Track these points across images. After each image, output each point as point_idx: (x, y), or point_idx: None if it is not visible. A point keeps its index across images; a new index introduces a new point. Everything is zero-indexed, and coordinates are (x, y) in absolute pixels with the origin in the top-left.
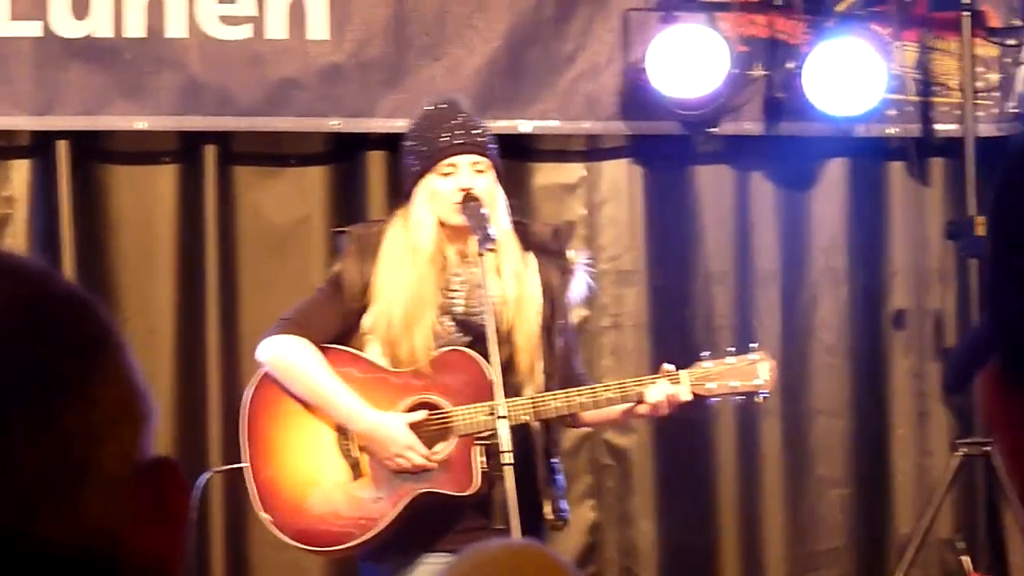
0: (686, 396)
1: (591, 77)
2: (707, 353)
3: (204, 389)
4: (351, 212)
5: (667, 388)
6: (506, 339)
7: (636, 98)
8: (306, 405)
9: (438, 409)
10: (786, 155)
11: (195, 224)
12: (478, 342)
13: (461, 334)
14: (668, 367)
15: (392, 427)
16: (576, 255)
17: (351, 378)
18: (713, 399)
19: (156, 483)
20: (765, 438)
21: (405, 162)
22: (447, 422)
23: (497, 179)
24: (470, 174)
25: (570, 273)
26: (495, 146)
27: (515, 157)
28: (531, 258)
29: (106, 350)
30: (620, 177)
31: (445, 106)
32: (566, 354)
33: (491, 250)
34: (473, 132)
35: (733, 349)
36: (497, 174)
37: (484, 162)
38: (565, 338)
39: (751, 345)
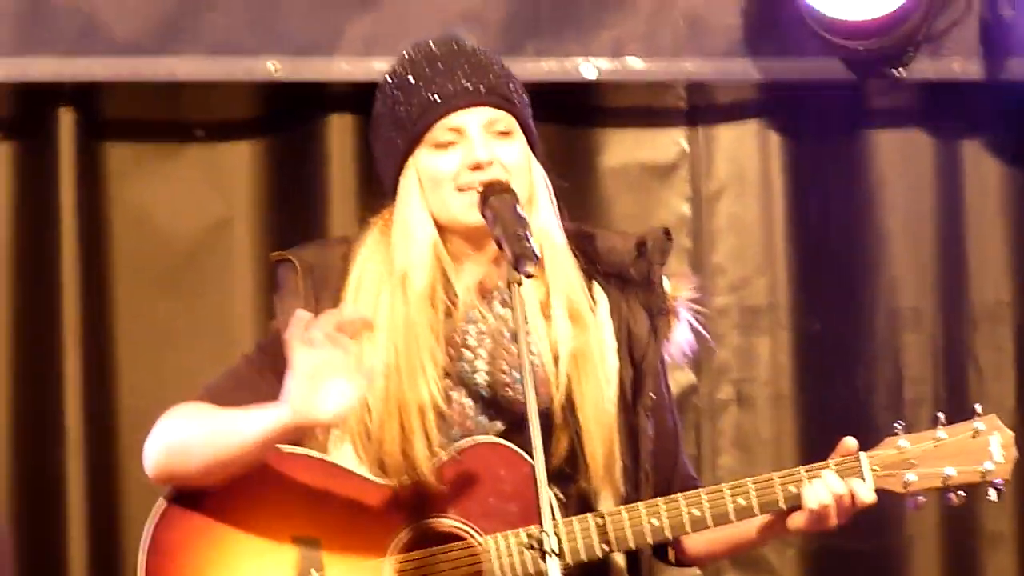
0: (868, 495)
1: None
2: (901, 424)
3: (61, 512)
4: (299, 218)
5: (837, 484)
6: (563, 422)
7: (771, 21)
8: (243, 518)
9: (458, 540)
10: (1022, 113)
11: (42, 236)
12: (517, 428)
13: (486, 418)
14: (847, 443)
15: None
16: (677, 285)
17: (312, 497)
18: (915, 498)
19: None
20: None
21: (378, 138)
22: (474, 561)
23: (533, 151)
24: (485, 140)
25: (666, 315)
26: (524, 97)
27: (572, 120)
28: (599, 291)
29: None
30: (746, 152)
31: (436, 46)
32: (664, 445)
33: (530, 275)
34: (486, 73)
35: (942, 416)
36: (531, 142)
37: (507, 120)
38: (661, 419)
39: (974, 407)
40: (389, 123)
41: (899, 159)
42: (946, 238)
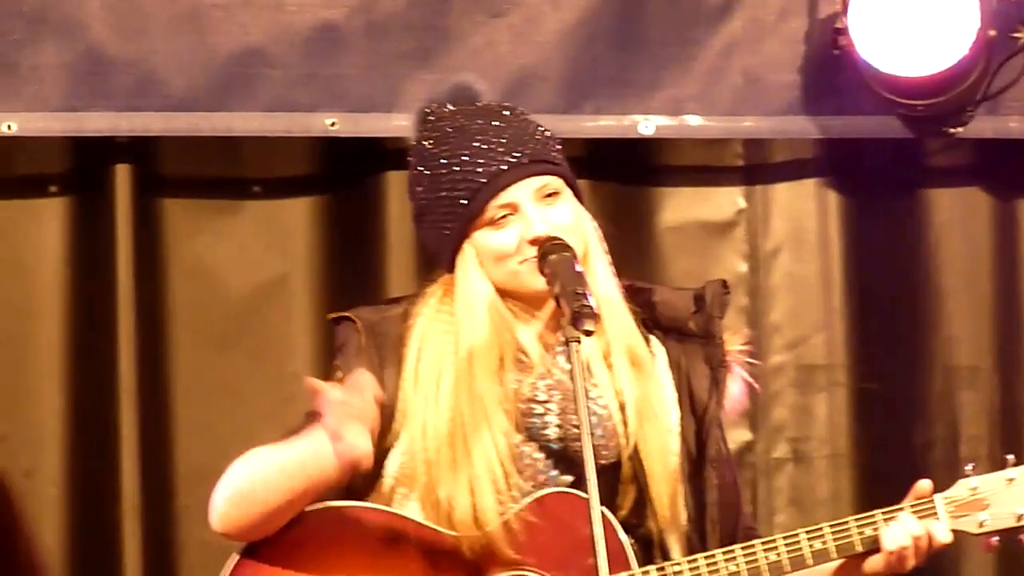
0: (945, 535)
1: (754, 44)
2: (972, 466)
3: (119, 574)
4: (356, 274)
5: (914, 526)
6: (631, 472)
7: (829, 79)
8: (317, 572)
9: None
10: None
11: (98, 293)
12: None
13: (557, 472)
14: (921, 486)
15: None
16: (729, 339)
17: (387, 550)
18: (989, 538)
19: None
20: None
21: (425, 222)
22: None
23: (580, 200)
24: (539, 211)
25: (724, 369)
26: (560, 148)
27: (629, 178)
28: (657, 344)
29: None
30: (804, 210)
31: (464, 116)
32: (726, 497)
33: (589, 333)
34: (526, 141)
35: (1012, 457)
36: (576, 193)
37: (555, 182)
38: (722, 472)
39: None
40: (436, 209)
41: (957, 217)
42: (1003, 295)
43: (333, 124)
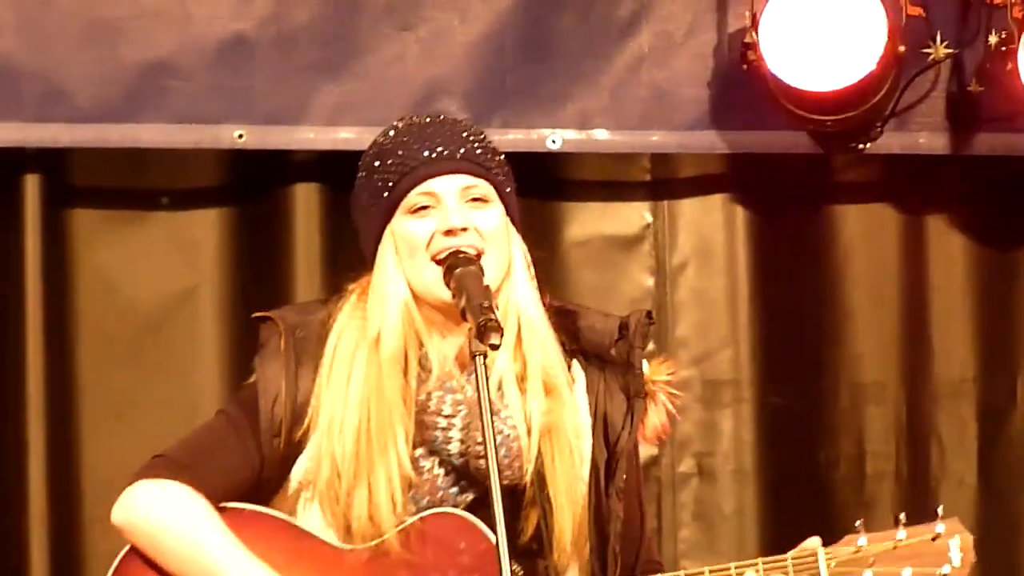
0: None
1: (662, 58)
2: (860, 522)
3: None
4: (264, 286)
5: None
6: (533, 497)
7: (738, 94)
8: None
9: None
10: (989, 189)
11: (6, 303)
12: (487, 501)
13: (457, 489)
14: (810, 542)
15: None
16: (656, 369)
17: (272, 559)
18: None
19: None
20: None
21: (358, 207)
22: None
23: (513, 222)
24: (460, 207)
25: (643, 398)
26: (506, 168)
27: (537, 192)
28: (577, 369)
29: None
30: (711, 225)
31: (419, 118)
32: (631, 528)
33: (495, 347)
34: (463, 141)
35: (903, 517)
36: (510, 213)
37: (484, 187)
38: (630, 503)
39: (937, 511)
40: (368, 191)
41: (864, 233)
42: (910, 312)
43: (241, 136)
